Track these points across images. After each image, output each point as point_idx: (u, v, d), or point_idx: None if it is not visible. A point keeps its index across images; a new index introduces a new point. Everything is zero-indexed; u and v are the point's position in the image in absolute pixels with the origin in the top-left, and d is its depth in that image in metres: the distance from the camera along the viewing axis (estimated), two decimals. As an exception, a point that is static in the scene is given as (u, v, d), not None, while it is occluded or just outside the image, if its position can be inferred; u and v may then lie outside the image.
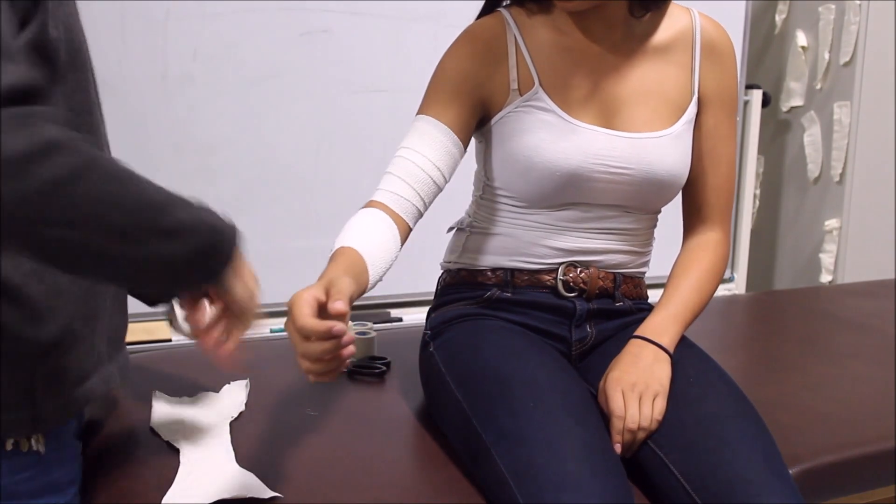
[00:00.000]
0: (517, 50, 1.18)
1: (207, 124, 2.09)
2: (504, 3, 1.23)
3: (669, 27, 1.22)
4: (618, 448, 1.08)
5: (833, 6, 2.73)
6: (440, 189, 1.17)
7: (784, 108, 2.94)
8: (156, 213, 0.83)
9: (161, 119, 2.04)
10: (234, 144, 2.13)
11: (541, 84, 1.17)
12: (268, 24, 2.09)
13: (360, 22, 2.16)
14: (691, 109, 1.22)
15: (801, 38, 2.85)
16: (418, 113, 1.18)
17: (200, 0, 2.02)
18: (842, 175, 2.78)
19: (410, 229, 1.15)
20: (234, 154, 2.15)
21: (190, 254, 0.87)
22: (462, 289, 1.27)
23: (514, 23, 1.20)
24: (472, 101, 1.18)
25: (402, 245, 1.14)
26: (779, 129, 3.00)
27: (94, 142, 0.97)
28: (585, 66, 1.19)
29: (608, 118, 1.18)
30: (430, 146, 1.15)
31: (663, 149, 1.18)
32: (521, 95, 1.18)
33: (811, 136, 2.86)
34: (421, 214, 1.16)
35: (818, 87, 2.82)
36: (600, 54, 1.19)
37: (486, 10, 1.24)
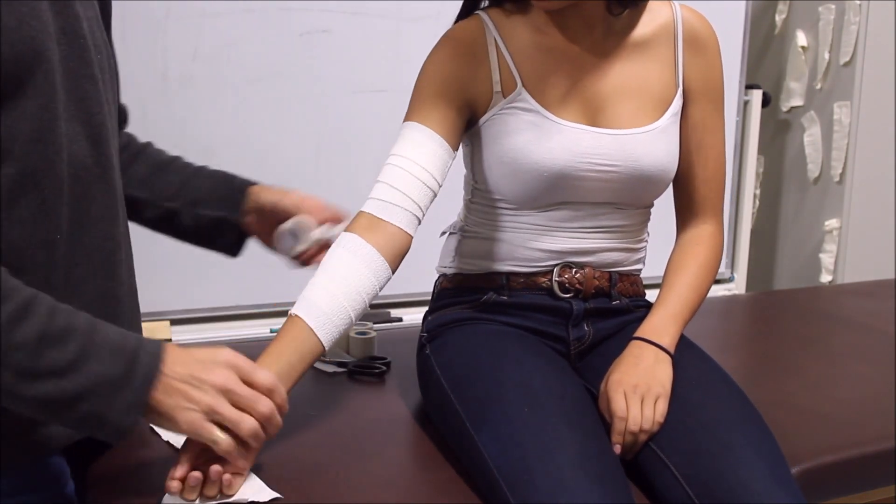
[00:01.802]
0: (498, 52, 1.18)
1: (207, 124, 2.09)
2: (482, 6, 1.23)
3: (650, 22, 1.21)
4: (617, 449, 1.07)
5: (833, 6, 2.73)
6: (434, 193, 1.16)
7: (784, 108, 2.94)
8: (14, 351, 0.82)
9: (161, 119, 2.04)
10: (234, 144, 2.13)
11: (524, 85, 1.17)
12: (268, 24, 2.09)
13: (360, 22, 2.16)
14: (676, 102, 1.21)
15: (801, 38, 2.85)
16: (405, 120, 1.18)
17: (200, 0, 2.02)
18: (842, 175, 2.78)
19: (410, 236, 1.13)
20: (234, 154, 2.15)
21: (62, 398, 0.85)
22: (458, 293, 1.27)
23: (493, 25, 1.19)
24: (458, 104, 1.17)
25: (398, 260, 1.13)
26: (779, 129, 3.00)
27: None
28: (567, 65, 1.18)
29: (592, 116, 1.18)
30: (418, 151, 1.14)
31: (650, 144, 1.18)
32: (505, 98, 1.17)
33: (811, 136, 2.86)
34: (419, 220, 1.14)
35: (818, 87, 2.82)
36: (580, 53, 1.18)
37: (464, 14, 1.23)
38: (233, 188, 1.23)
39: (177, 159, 1.28)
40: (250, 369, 0.96)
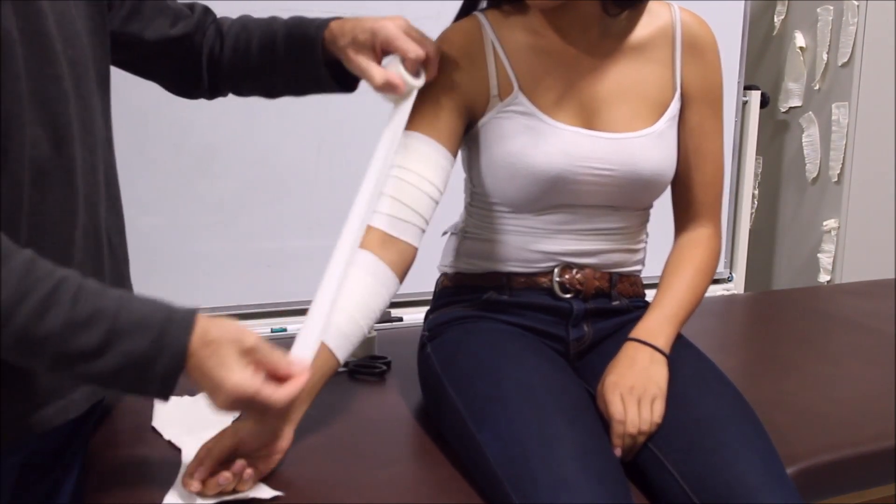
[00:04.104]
0: (495, 55, 1.17)
1: (207, 124, 2.09)
2: (480, 7, 1.23)
3: (648, 24, 1.20)
4: (618, 452, 1.08)
5: (831, 7, 2.73)
6: (437, 203, 1.17)
7: (782, 109, 2.94)
8: (45, 341, 0.85)
9: (161, 119, 2.04)
10: (234, 144, 2.14)
11: (520, 88, 1.17)
12: (268, 25, 2.09)
13: (360, 22, 2.16)
14: (674, 106, 1.21)
15: (800, 39, 2.85)
16: (406, 128, 1.17)
17: (200, 0, 2.02)
18: (840, 175, 2.78)
19: (415, 248, 1.15)
20: (234, 154, 2.15)
21: (101, 376, 0.88)
22: (459, 292, 1.27)
23: (490, 27, 1.19)
24: (458, 110, 1.18)
25: (406, 273, 1.15)
26: (777, 129, 3.01)
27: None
28: (563, 67, 1.18)
29: (589, 119, 1.18)
30: (424, 164, 1.15)
31: (647, 148, 1.18)
32: (502, 101, 1.17)
33: (809, 137, 2.86)
34: (423, 231, 1.16)
35: (816, 87, 2.82)
36: (576, 55, 1.18)
37: (463, 14, 1.23)
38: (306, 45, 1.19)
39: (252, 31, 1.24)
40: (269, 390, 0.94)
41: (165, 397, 0.91)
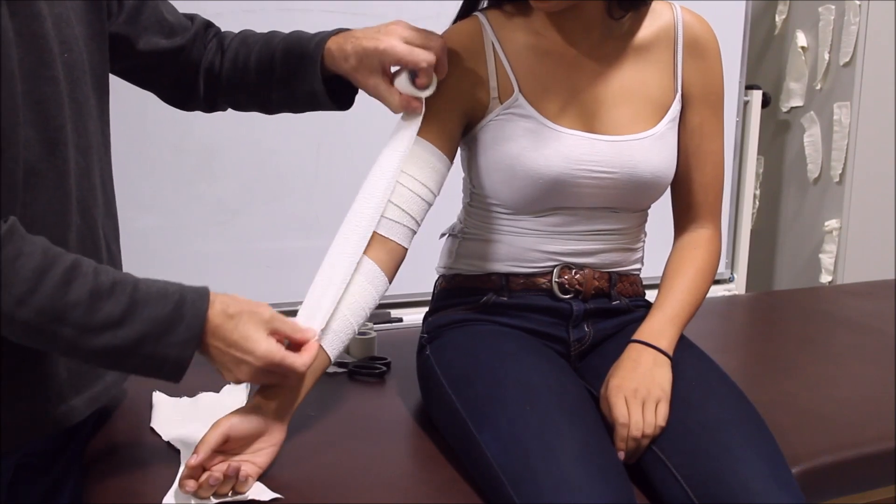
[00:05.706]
0: (495, 57, 1.17)
1: (207, 124, 2.09)
2: (481, 7, 1.22)
3: (650, 25, 1.20)
4: (621, 456, 1.07)
5: (833, 6, 2.73)
6: (430, 205, 1.17)
7: (784, 109, 2.94)
8: (71, 309, 0.88)
9: (161, 119, 2.03)
10: (234, 144, 2.13)
11: (520, 91, 1.16)
12: (268, 25, 2.08)
13: (361, 22, 2.14)
14: (675, 108, 1.21)
15: (801, 39, 2.85)
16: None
17: (201, 0, 2.02)
18: (842, 175, 2.78)
19: (405, 248, 1.16)
20: (234, 154, 2.15)
21: (122, 345, 0.91)
22: (458, 294, 1.27)
23: (490, 28, 1.18)
24: (456, 112, 1.17)
25: (395, 272, 1.16)
26: (779, 129, 3.00)
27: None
28: (564, 69, 1.17)
29: (589, 122, 1.17)
30: (419, 167, 1.15)
31: (647, 150, 1.17)
32: (502, 103, 1.17)
33: (811, 137, 2.86)
34: (414, 232, 1.16)
35: (818, 87, 2.82)
36: (578, 57, 1.18)
37: (463, 14, 1.23)
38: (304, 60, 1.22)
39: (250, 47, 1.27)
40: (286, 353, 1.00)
41: (181, 368, 0.95)
